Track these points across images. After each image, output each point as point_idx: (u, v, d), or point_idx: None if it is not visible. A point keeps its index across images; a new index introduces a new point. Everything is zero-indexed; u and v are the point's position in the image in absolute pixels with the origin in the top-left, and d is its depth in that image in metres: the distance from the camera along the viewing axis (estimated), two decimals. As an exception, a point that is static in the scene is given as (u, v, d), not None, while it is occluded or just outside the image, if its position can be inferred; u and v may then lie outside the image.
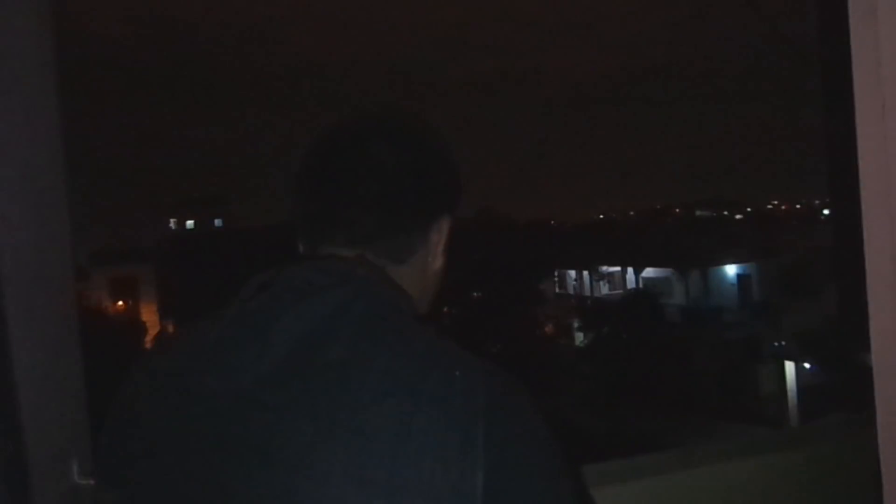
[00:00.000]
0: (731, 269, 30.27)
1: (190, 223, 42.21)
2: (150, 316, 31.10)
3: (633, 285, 30.99)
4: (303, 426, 0.75)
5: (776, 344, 22.35)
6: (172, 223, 42.31)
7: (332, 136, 0.99)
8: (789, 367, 21.30)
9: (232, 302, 0.86)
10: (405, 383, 0.76)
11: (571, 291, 34.70)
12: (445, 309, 26.04)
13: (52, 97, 1.37)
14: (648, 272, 31.17)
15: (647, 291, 27.30)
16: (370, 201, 0.93)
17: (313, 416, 0.75)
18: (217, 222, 41.85)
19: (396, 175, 0.94)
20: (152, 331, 27.07)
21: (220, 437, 0.77)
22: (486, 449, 0.74)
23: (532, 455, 0.79)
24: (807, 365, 20.56)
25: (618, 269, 33.19)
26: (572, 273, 35.05)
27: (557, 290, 34.69)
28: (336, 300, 0.81)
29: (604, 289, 33.51)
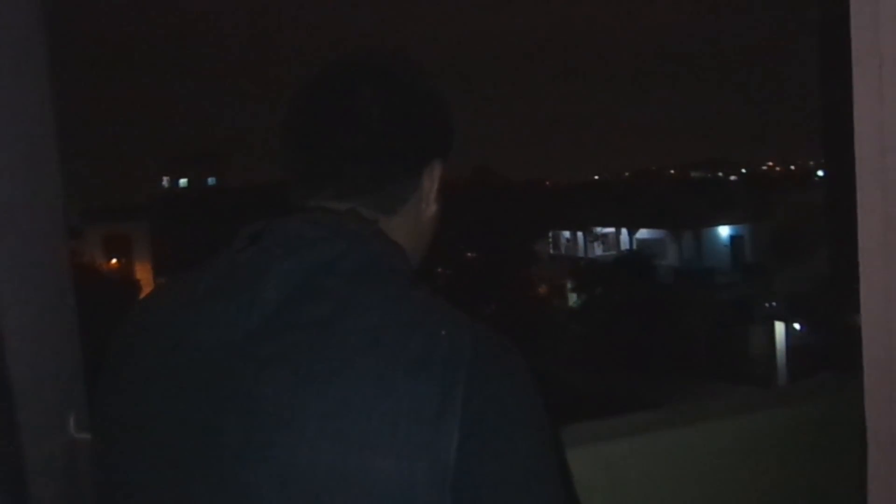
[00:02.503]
0: (724, 231, 30.30)
1: (183, 181, 41.88)
2: (144, 274, 31.07)
3: (628, 246, 31.03)
4: (284, 380, 0.75)
5: (767, 305, 22.52)
6: (165, 181, 41.98)
7: (315, 83, 0.94)
8: (779, 327, 21.50)
9: (223, 253, 0.85)
10: (389, 341, 0.75)
11: (565, 252, 34.73)
12: (440, 269, 26.10)
13: (41, 49, 1.35)
14: (642, 233, 31.17)
15: (641, 252, 27.37)
16: (357, 153, 0.89)
17: (294, 371, 0.75)
18: (211, 180, 41.54)
19: (383, 122, 0.90)
20: (147, 288, 27.06)
21: (208, 387, 0.78)
22: (464, 411, 0.73)
23: (512, 421, 0.77)
24: (797, 325, 20.76)
25: (612, 230, 33.17)
26: (566, 234, 35.04)
27: (551, 250, 34.70)
28: (327, 254, 0.80)
29: (598, 250, 33.52)
